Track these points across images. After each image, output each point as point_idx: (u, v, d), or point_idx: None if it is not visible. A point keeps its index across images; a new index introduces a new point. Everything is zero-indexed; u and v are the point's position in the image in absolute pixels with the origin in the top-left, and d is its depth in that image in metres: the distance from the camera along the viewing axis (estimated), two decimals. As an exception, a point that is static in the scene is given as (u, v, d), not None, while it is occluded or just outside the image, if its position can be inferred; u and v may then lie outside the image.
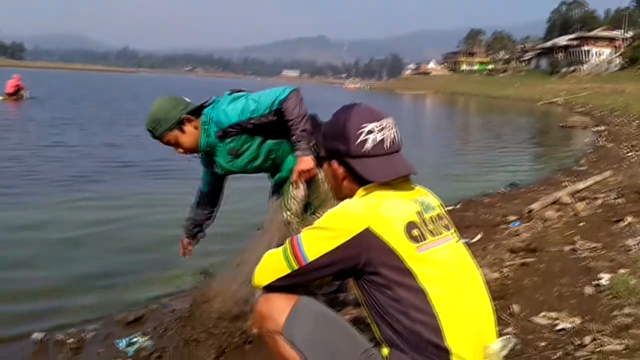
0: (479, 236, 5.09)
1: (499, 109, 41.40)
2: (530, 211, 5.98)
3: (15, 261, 4.50)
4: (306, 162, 2.81)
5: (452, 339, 1.51)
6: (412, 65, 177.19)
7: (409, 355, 1.52)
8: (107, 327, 3.33)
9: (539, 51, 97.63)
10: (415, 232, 1.57)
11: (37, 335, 3.13)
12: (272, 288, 1.74)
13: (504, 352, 1.58)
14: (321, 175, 2.87)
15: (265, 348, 2.89)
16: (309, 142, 2.79)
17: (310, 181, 2.92)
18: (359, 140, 1.68)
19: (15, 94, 22.39)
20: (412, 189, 1.73)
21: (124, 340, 3.06)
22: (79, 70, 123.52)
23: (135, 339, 3.07)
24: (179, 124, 2.82)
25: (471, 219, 6.05)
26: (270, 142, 2.93)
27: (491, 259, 4.18)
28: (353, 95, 68.08)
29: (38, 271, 4.33)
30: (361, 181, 1.69)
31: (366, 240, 1.54)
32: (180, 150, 2.89)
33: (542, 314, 2.88)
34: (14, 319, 3.46)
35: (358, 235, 1.55)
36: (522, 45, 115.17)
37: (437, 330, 1.50)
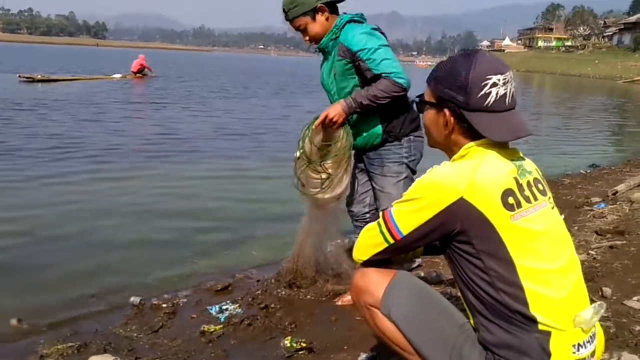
0: (561, 217, 4.95)
1: (576, 87, 39.74)
2: (615, 193, 5.79)
3: (111, 231, 4.77)
4: (338, 112, 2.82)
5: (537, 308, 1.48)
6: (485, 42, 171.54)
7: (494, 323, 1.52)
8: (198, 294, 3.48)
9: (621, 26, 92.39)
10: (510, 199, 1.51)
11: (134, 299, 3.32)
12: (370, 262, 1.76)
13: (595, 319, 1.54)
14: (341, 134, 2.90)
15: (336, 308, 3.07)
16: (360, 103, 2.78)
17: (330, 133, 2.94)
18: (482, 93, 1.56)
19: (140, 72, 24.84)
20: (510, 148, 1.65)
21: (215, 307, 3.19)
22: (158, 49, 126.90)
23: (226, 306, 3.19)
24: (313, 11, 2.91)
25: (552, 200, 5.87)
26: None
27: (576, 241, 4.08)
28: (424, 72, 66.93)
29: (130, 241, 4.57)
30: (471, 135, 1.61)
31: (461, 211, 1.50)
32: (307, 38, 2.99)
33: (636, 297, 2.82)
34: (113, 283, 3.68)
35: (451, 205, 1.50)
36: (604, 21, 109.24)
37: (522, 300, 1.48)
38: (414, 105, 1.82)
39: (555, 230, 1.61)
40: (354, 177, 3.22)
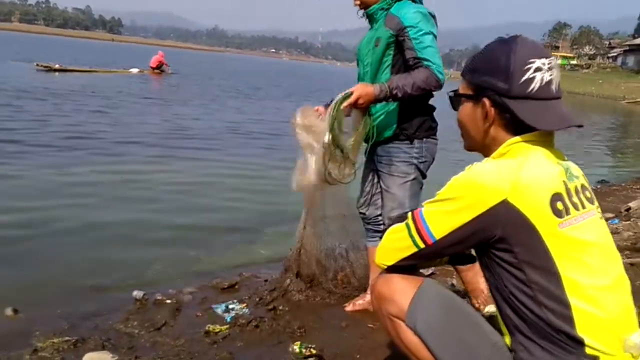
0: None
1: (580, 106, 39.72)
2: (628, 209, 5.68)
3: (116, 225, 4.65)
4: (369, 96, 2.59)
5: (584, 329, 1.33)
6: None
7: (535, 342, 1.37)
8: (203, 291, 3.35)
9: (626, 48, 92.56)
10: (559, 204, 1.35)
11: (137, 293, 3.18)
12: (396, 268, 1.60)
13: None
14: (365, 119, 2.73)
15: (346, 314, 2.98)
16: (395, 95, 2.58)
17: (355, 116, 2.75)
18: (524, 78, 1.40)
19: (158, 68, 25.20)
20: (555, 149, 1.49)
21: (222, 306, 3.05)
22: (173, 47, 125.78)
23: (232, 306, 3.05)
24: None
25: (563, 215, 5.78)
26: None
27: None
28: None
29: (135, 235, 4.47)
30: (514, 128, 1.44)
31: (503, 214, 1.33)
32: (357, 1, 2.81)
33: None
34: (115, 277, 3.56)
35: (493, 207, 1.34)
36: (609, 42, 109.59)
37: (568, 319, 1.33)
38: (449, 101, 1.65)
39: (604, 242, 1.45)
40: (364, 178, 3.07)
